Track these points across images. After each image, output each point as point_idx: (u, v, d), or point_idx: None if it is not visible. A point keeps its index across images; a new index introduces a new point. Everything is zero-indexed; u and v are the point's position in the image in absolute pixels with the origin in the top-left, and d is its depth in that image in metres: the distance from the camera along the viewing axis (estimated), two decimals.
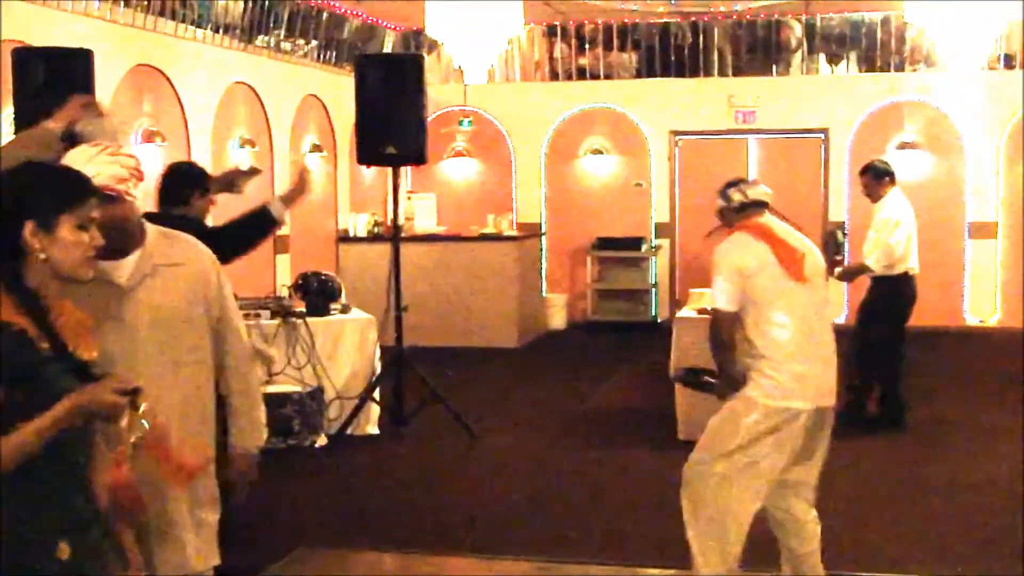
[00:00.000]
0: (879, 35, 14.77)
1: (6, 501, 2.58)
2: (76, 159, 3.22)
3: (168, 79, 10.69)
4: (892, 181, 8.86)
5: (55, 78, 7.45)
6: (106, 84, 9.30)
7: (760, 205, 4.98)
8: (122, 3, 10.02)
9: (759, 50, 15.14)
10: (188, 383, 3.58)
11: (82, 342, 2.77)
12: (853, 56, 15.00)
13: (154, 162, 10.22)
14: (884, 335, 8.69)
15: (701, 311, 8.61)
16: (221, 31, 11.67)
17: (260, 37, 12.49)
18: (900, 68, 14.77)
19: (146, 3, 10.34)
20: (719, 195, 5.06)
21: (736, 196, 4.98)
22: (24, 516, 2.61)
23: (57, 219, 2.72)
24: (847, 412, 8.49)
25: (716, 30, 15.09)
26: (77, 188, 2.82)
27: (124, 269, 3.47)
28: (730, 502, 4.80)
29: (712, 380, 5.09)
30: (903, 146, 14.28)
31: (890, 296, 8.68)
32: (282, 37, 13.00)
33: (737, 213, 4.99)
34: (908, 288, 8.76)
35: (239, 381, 3.78)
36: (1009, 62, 14.42)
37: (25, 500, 2.61)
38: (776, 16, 14.85)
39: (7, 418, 2.54)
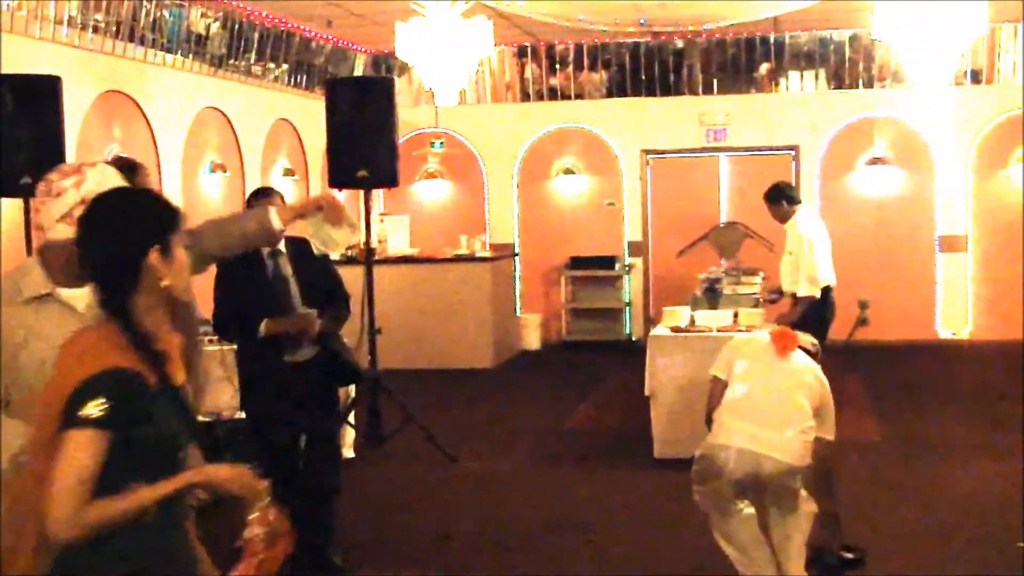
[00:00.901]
0: (847, 52, 14.88)
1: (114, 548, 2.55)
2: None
3: (138, 105, 10.65)
4: (798, 202, 8.97)
5: (24, 105, 7.42)
6: (75, 111, 9.26)
7: None
8: (90, 29, 9.99)
9: (729, 69, 15.23)
10: None
11: (175, 367, 2.72)
12: (823, 73, 15.10)
13: None
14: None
15: (675, 329, 8.63)
16: (191, 56, 11.65)
17: (231, 62, 12.47)
18: (869, 85, 14.88)
19: (115, 29, 10.31)
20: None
21: None
22: (131, 567, 2.58)
23: (172, 242, 2.67)
24: None
25: (686, 49, 15.16)
26: (172, 208, 2.75)
27: (82, 297, 3.14)
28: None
29: None
30: (873, 161, 14.39)
31: (818, 312, 8.73)
32: (253, 61, 12.99)
33: None
34: (831, 302, 8.84)
35: None
36: (976, 77, 14.56)
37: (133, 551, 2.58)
38: (746, 35, 14.93)
39: (114, 458, 2.51)
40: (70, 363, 2.58)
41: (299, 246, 5.79)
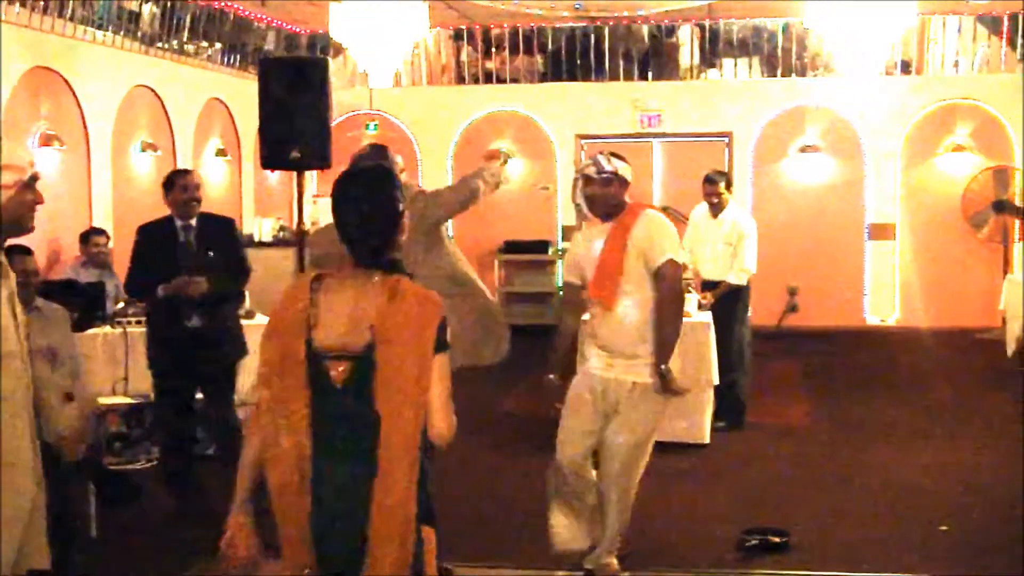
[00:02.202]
0: (780, 41, 15.01)
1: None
2: None
3: (67, 82, 10.47)
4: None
5: None
6: (2, 86, 9.08)
7: None
8: (18, 3, 9.78)
9: (663, 55, 15.29)
10: None
11: None
12: (756, 61, 15.22)
13: (52, 167, 10.01)
14: (744, 338, 8.91)
15: None
16: (122, 33, 11.47)
17: (163, 40, 12.30)
18: (802, 73, 15.03)
19: (44, 4, 10.11)
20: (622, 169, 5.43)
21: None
22: None
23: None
24: (729, 418, 8.71)
25: (620, 34, 15.20)
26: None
27: None
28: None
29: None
30: (804, 149, 14.54)
31: (743, 300, 8.89)
32: (185, 40, 12.82)
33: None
34: (749, 292, 9.06)
35: None
36: (906, 67, 14.76)
37: None
38: (680, 21, 15.01)
39: None
40: (394, 304, 3.07)
41: (211, 221, 6.67)
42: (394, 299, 3.07)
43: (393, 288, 3.09)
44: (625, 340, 5.29)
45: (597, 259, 5.33)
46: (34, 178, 3.34)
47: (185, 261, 6.46)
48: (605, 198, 5.38)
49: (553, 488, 5.58)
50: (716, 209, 8.93)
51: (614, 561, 5.51)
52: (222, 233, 6.71)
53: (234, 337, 6.77)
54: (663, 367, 5.23)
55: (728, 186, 8.99)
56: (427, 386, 3.04)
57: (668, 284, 5.25)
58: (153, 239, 6.55)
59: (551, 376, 5.61)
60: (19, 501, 3.34)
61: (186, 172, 6.86)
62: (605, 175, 5.35)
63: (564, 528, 5.59)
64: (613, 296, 5.27)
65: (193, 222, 6.57)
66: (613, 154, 5.50)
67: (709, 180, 9.00)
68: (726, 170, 9.42)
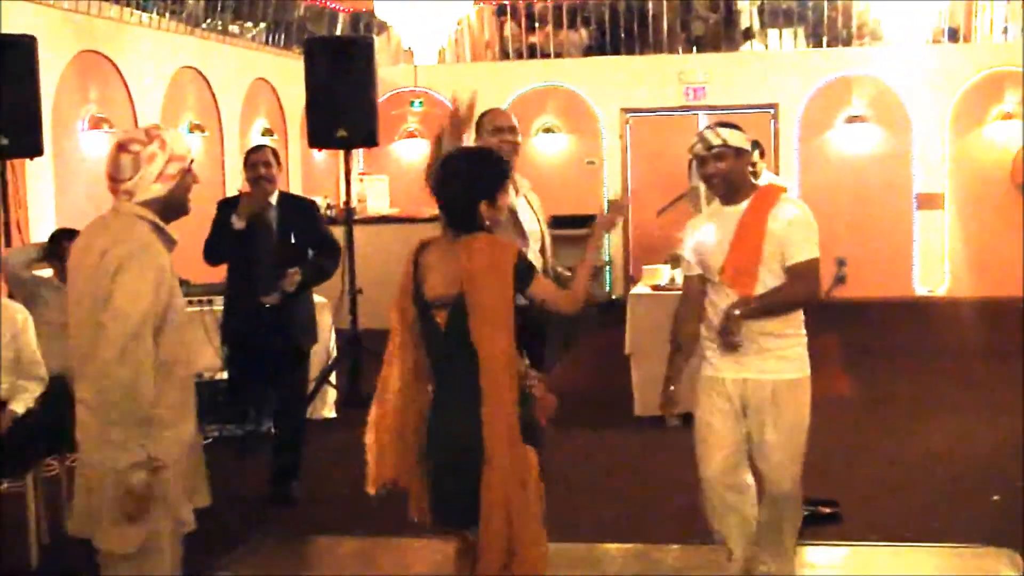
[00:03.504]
0: (826, 10, 14.87)
1: None
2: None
3: (114, 65, 10.58)
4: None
5: None
6: (50, 71, 9.20)
7: None
8: None
9: (710, 27, 15.21)
10: None
11: None
12: (801, 32, 15.10)
13: (101, 150, 10.14)
14: None
15: (655, 287, 8.68)
16: (168, 15, 11.57)
17: (208, 20, 12.39)
18: (847, 43, 14.89)
19: None
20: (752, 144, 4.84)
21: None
22: None
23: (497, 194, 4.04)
24: None
25: (665, 7, 15.13)
26: (499, 168, 4.15)
27: None
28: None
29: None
30: (851, 120, 14.42)
31: None
32: (230, 20, 12.90)
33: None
34: None
35: None
36: (954, 35, 14.58)
37: None
38: None
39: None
40: (474, 256, 3.81)
41: (291, 203, 6.69)
42: (472, 252, 3.80)
43: (469, 243, 3.83)
44: (755, 336, 4.62)
45: (728, 247, 4.65)
46: (191, 162, 3.76)
47: (267, 244, 6.43)
48: (722, 175, 4.67)
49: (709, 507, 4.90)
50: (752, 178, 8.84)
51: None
52: (305, 214, 6.68)
53: (307, 322, 6.73)
54: (744, 309, 4.57)
55: (762, 155, 8.88)
56: (509, 316, 3.78)
57: (804, 286, 4.61)
58: (229, 214, 6.46)
59: (671, 388, 4.86)
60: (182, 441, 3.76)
61: (257, 148, 6.79)
62: (716, 150, 4.63)
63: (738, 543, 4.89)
64: (751, 287, 4.59)
65: (273, 200, 6.54)
66: (722, 123, 4.75)
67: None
68: (762, 141, 9.25)
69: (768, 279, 4.60)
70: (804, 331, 4.75)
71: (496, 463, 3.73)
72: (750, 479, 4.80)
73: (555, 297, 4.01)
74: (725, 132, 4.66)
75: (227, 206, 6.57)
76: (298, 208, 6.69)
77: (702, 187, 4.99)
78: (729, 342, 4.59)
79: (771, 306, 4.60)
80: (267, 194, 6.51)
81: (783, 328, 4.64)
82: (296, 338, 6.62)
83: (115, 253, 3.55)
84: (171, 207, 3.72)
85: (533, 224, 5.51)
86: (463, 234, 3.88)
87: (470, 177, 3.94)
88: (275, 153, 6.71)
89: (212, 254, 6.60)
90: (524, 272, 3.86)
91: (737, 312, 4.57)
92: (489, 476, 3.73)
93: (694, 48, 15.11)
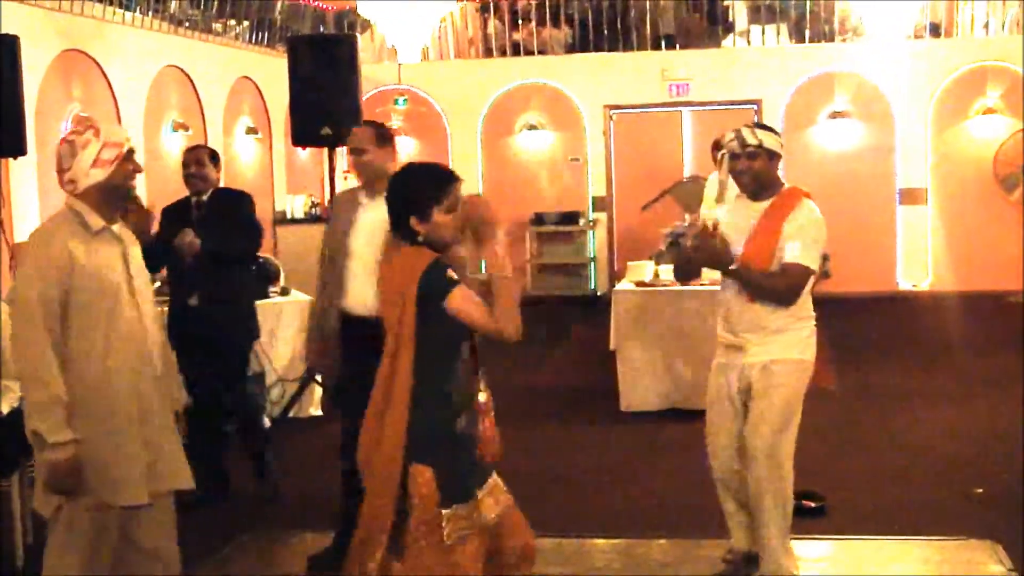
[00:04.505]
0: (808, 6, 14.92)
1: None
2: None
3: (97, 64, 10.55)
4: None
5: None
6: (34, 70, 9.17)
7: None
8: None
9: (692, 23, 15.23)
10: None
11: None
12: (784, 28, 15.14)
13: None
14: None
15: (639, 283, 8.71)
16: (151, 14, 11.54)
17: (190, 19, 12.36)
18: (830, 39, 14.94)
19: None
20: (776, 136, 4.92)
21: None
22: None
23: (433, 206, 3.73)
24: None
25: (648, 3, 15.15)
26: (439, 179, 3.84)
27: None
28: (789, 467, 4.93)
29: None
30: (834, 115, 14.48)
31: None
32: (213, 18, 12.88)
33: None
34: None
35: None
36: (935, 31, 14.65)
37: None
38: None
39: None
40: (402, 269, 3.66)
41: (223, 196, 6.67)
42: (391, 264, 3.77)
43: (392, 255, 3.77)
44: (760, 321, 4.84)
45: (745, 240, 4.83)
46: (131, 151, 3.94)
47: (188, 246, 6.34)
48: (752, 174, 4.86)
49: (723, 492, 5.09)
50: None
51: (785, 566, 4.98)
52: (232, 204, 6.61)
53: (238, 319, 6.65)
54: (738, 267, 4.78)
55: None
56: (409, 331, 3.60)
57: (786, 285, 4.79)
58: (170, 217, 6.47)
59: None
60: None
61: (191, 148, 6.79)
62: (750, 149, 4.81)
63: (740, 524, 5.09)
64: None
65: (205, 198, 6.54)
66: (759, 125, 4.99)
67: (717, 146, 8.97)
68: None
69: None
70: (812, 316, 5.00)
71: (375, 472, 3.67)
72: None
73: (476, 315, 3.66)
74: (762, 134, 4.85)
75: (166, 212, 6.56)
76: (228, 202, 6.62)
77: (730, 180, 5.12)
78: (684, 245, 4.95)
79: (755, 281, 4.80)
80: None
81: (789, 317, 4.88)
82: (227, 338, 6.57)
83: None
84: (111, 192, 3.90)
85: None
86: (401, 244, 3.77)
87: (402, 192, 3.80)
88: (213, 153, 6.69)
89: (149, 263, 6.59)
90: (433, 284, 3.62)
91: (732, 268, 4.78)
92: (367, 483, 3.71)
93: (676, 45, 15.12)
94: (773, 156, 4.87)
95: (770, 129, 4.94)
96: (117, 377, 3.87)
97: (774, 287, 4.80)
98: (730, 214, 5.03)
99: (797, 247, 4.76)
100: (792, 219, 4.80)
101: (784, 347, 4.85)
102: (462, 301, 3.63)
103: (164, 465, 4.01)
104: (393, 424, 3.59)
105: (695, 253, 4.98)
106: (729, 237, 4.87)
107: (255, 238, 6.62)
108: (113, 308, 3.86)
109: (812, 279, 4.87)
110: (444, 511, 3.55)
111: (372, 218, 5.05)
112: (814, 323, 5.00)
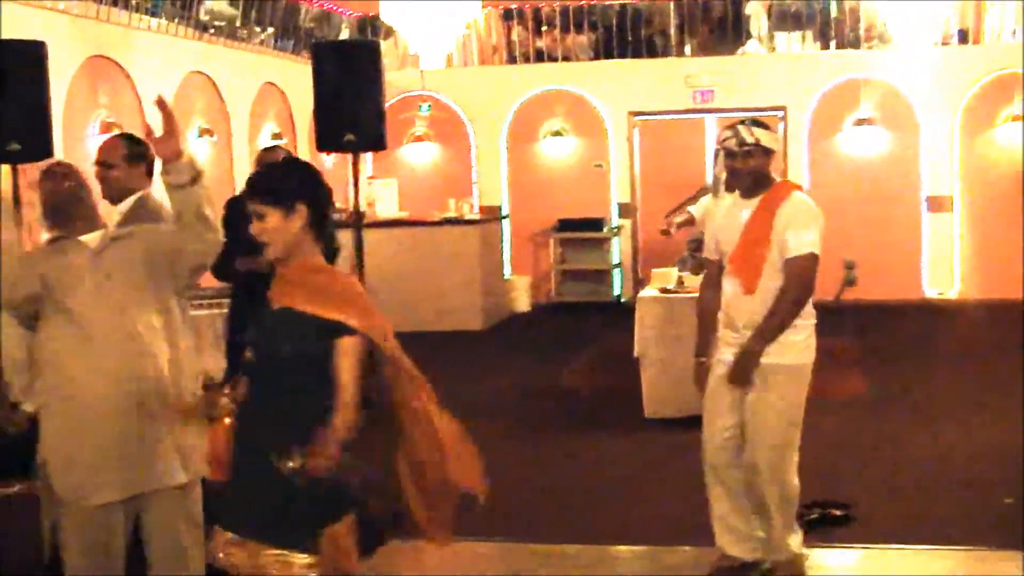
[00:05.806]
0: (834, 12, 14.86)
1: None
2: None
3: (124, 70, 10.61)
4: None
5: (8, 71, 7.38)
6: (61, 76, 9.23)
7: None
8: None
9: (716, 30, 15.20)
10: None
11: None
12: (809, 34, 15.08)
13: None
14: None
15: (663, 290, 8.67)
16: (176, 20, 11.59)
17: (216, 25, 12.41)
18: (856, 45, 14.88)
19: None
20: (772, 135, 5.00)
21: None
22: None
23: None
24: None
25: (673, 10, 15.13)
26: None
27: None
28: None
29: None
30: (860, 122, 14.41)
31: None
32: (238, 25, 12.93)
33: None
34: None
35: None
36: (963, 37, 14.56)
37: None
38: None
39: None
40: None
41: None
42: None
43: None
44: (759, 318, 4.83)
45: (739, 237, 4.90)
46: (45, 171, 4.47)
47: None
48: (747, 171, 4.89)
49: (712, 482, 5.15)
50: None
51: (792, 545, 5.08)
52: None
53: None
54: (753, 349, 4.79)
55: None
56: None
57: (795, 278, 4.78)
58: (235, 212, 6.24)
59: (702, 359, 5.11)
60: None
61: (275, 148, 6.94)
62: (746, 147, 4.84)
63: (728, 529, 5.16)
64: (754, 280, 4.82)
65: None
66: (755, 122, 4.97)
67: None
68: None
69: (771, 272, 4.81)
70: (812, 315, 4.96)
71: None
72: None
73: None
74: (759, 132, 4.90)
75: (232, 204, 6.40)
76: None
77: (724, 177, 5.16)
78: (741, 381, 4.87)
79: (775, 321, 4.80)
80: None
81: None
82: None
83: None
84: (53, 210, 4.54)
85: None
86: None
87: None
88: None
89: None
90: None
91: (750, 351, 4.81)
92: None
93: (701, 51, 15.09)
94: (768, 153, 4.94)
95: (766, 126, 4.99)
96: (85, 391, 3.97)
97: (794, 302, 4.83)
98: (724, 218, 5.09)
99: (794, 237, 4.80)
100: (784, 208, 4.85)
101: (783, 349, 4.85)
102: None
103: (151, 463, 4.00)
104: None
105: (697, 386, 5.16)
106: (723, 236, 5.01)
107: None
108: (74, 311, 3.99)
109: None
110: None
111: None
112: (814, 322, 4.99)
